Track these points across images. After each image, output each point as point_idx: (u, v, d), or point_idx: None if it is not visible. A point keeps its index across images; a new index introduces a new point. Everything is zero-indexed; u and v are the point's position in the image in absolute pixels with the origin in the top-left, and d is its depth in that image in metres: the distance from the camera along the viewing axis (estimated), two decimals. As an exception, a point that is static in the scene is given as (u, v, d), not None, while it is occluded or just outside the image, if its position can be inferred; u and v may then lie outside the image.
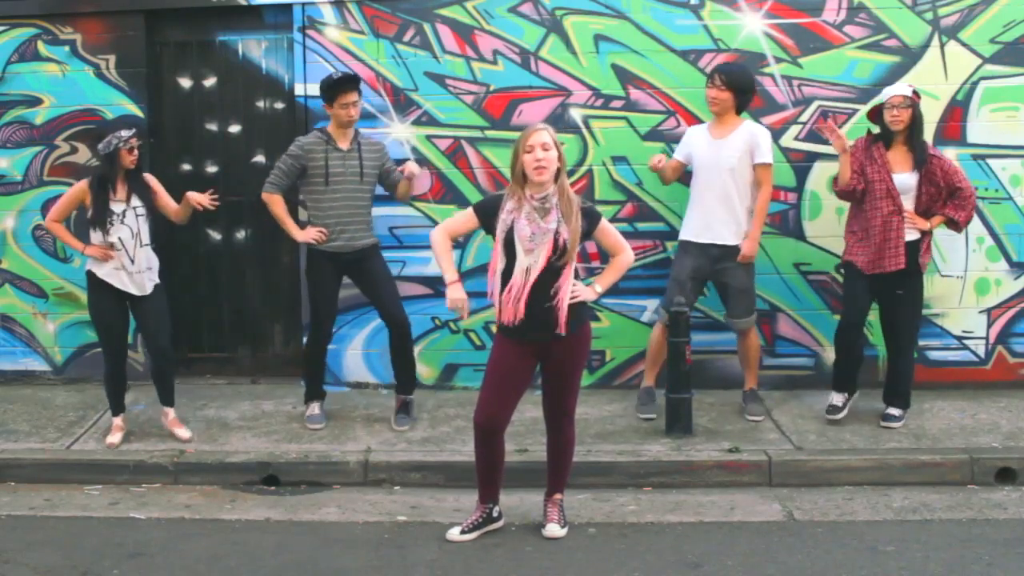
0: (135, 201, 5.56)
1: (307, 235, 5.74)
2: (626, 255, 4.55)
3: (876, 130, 5.70)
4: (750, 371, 5.99)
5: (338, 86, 5.65)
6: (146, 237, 5.59)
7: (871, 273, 5.58)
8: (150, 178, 5.71)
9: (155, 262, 5.70)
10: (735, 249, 5.75)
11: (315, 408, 5.99)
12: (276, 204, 5.77)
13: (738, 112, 5.82)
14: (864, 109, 5.98)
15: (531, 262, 4.33)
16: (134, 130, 5.54)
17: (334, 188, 5.71)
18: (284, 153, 5.83)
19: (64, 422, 6.07)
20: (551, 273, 4.34)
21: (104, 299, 5.60)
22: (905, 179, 5.55)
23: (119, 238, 5.51)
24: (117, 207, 5.51)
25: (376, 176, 5.86)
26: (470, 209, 4.55)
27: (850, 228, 5.74)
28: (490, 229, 4.45)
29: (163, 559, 4.46)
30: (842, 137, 5.56)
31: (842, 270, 5.91)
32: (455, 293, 4.51)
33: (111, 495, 5.30)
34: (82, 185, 5.57)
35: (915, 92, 5.58)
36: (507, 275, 4.40)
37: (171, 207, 5.71)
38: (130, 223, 5.53)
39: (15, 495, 5.31)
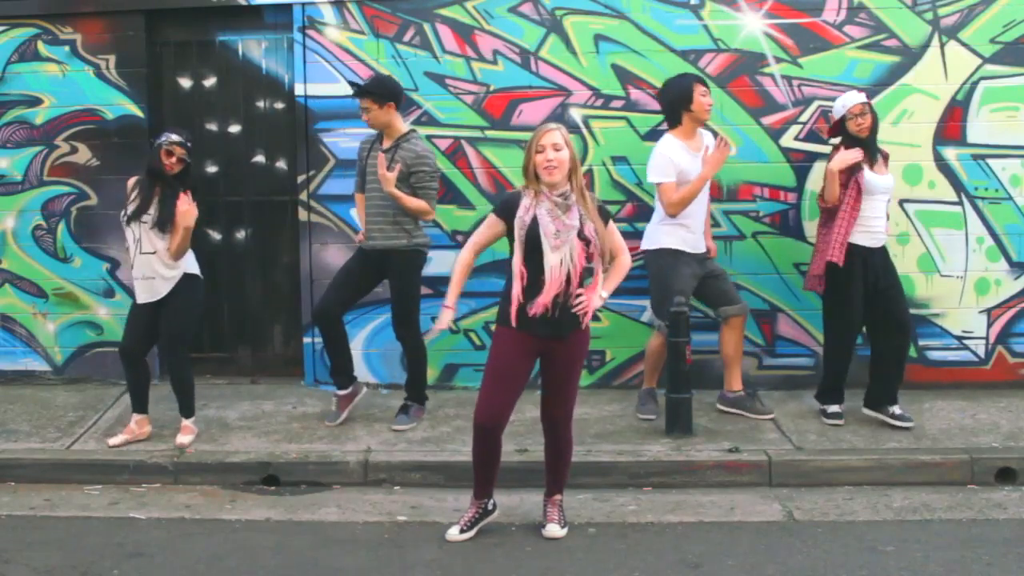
0: (153, 208, 5.48)
1: (358, 236, 5.99)
2: (627, 257, 4.57)
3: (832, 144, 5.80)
4: (738, 362, 5.96)
5: (356, 96, 5.72)
6: (148, 246, 5.47)
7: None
8: (183, 202, 5.44)
9: (168, 272, 5.52)
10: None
11: (333, 404, 5.96)
12: (357, 203, 6.02)
13: None
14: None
15: (560, 258, 4.31)
16: (180, 138, 5.44)
17: (368, 187, 5.77)
18: None
19: (64, 422, 6.07)
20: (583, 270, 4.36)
21: (135, 301, 5.63)
22: (888, 180, 5.63)
23: (128, 239, 5.54)
24: (129, 209, 5.48)
25: (406, 179, 5.64)
26: (491, 215, 4.51)
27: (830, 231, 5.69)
28: (511, 228, 4.42)
29: (163, 559, 4.45)
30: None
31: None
32: (445, 318, 4.59)
33: (111, 495, 5.29)
34: (132, 180, 5.57)
35: (867, 95, 5.72)
36: (530, 274, 4.34)
37: (173, 241, 5.47)
38: (134, 228, 5.48)
39: (15, 495, 5.31)
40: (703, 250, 5.88)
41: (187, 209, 5.40)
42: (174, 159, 5.43)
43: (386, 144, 5.72)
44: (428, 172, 5.66)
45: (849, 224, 5.56)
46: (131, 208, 5.48)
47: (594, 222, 4.36)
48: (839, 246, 5.55)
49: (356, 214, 6.11)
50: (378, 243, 5.73)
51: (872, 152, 5.61)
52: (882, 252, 5.69)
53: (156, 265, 5.51)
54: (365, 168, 5.79)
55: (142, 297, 5.56)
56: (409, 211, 5.64)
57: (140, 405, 5.73)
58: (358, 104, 5.70)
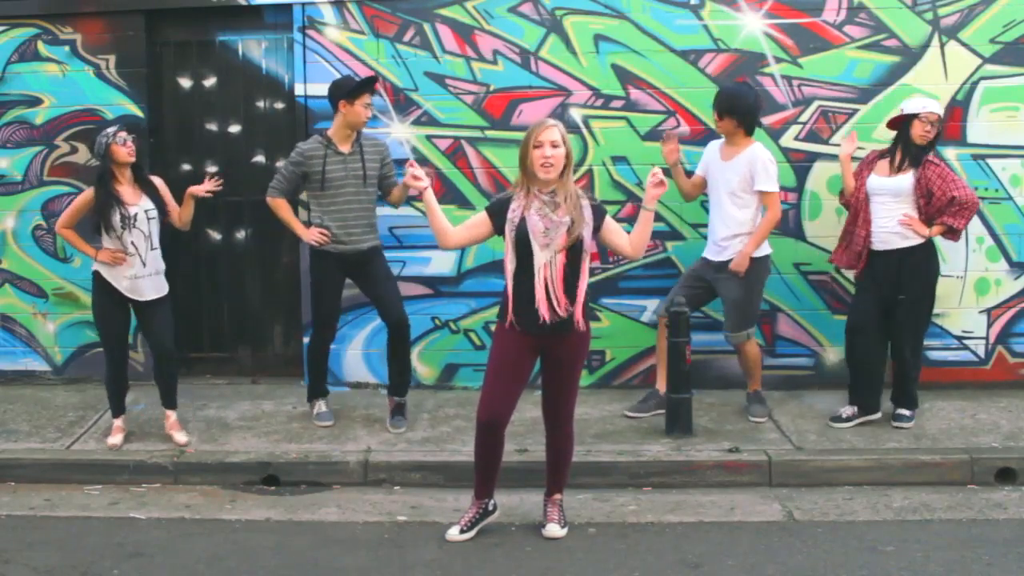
0: (146, 203, 5.52)
1: (311, 236, 5.74)
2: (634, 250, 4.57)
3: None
4: (751, 377, 5.99)
5: (365, 86, 5.68)
6: (156, 240, 5.56)
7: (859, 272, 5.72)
8: (157, 180, 5.69)
9: (163, 265, 5.66)
10: (728, 263, 5.75)
11: (322, 406, 6.02)
12: (281, 208, 5.83)
13: (749, 132, 5.72)
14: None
15: (548, 257, 4.31)
16: (119, 124, 5.52)
17: (335, 192, 5.70)
18: (287, 159, 5.88)
19: (64, 422, 6.07)
20: (570, 269, 4.34)
21: (109, 302, 5.56)
22: (900, 182, 5.55)
23: (131, 242, 5.46)
24: (130, 210, 5.44)
25: (378, 177, 5.84)
26: (483, 212, 4.52)
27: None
28: (501, 230, 4.42)
29: (163, 559, 4.46)
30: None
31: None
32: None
33: (111, 495, 5.30)
34: (88, 193, 5.53)
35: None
36: (521, 273, 4.36)
37: (174, 211, 5.70)
38: (141, 226, 5.48)
39: (15, 495, 5.31)
40: (712, 258, 5.80)
41: (162, 183, 5.69)
42: (130, 146, 5.44)
43: (347, 147, 5.70)
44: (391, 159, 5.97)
45: (860, 228, 5.61)
46: (130, 211, 5.42)
47: (579, 218, 4.33)
48: (847, 250, 5.69)
49: (289, 219, 5.83)
50: (364, 245, 5.77)
51: (915, 156, 5.53)
52: (897, 258, 5.56)
53: (160, 259, 5.59)
54: (323, 174, 5.66)
55: (149, 294, 5.55)
56: (398, 202, 5.93)
57: (123, 407, 5.80)
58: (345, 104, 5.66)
